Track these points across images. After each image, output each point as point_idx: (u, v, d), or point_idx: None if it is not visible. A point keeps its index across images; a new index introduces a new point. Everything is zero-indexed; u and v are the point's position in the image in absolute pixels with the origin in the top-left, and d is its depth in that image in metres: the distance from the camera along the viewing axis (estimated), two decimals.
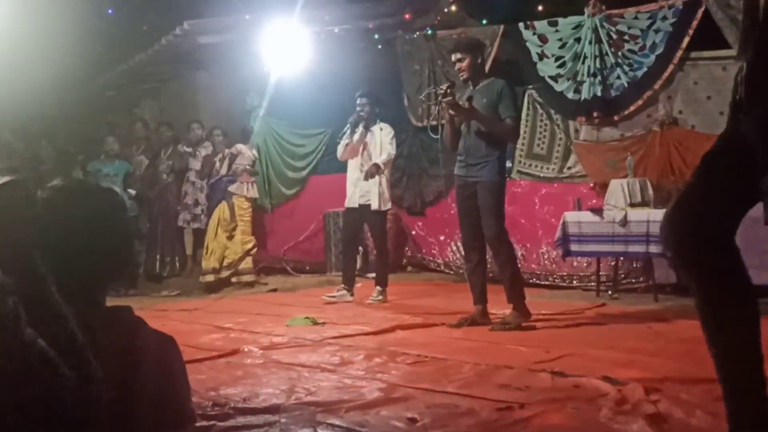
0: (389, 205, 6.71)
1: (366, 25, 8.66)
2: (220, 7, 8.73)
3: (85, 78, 9.92)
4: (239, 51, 8.02)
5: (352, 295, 6.55)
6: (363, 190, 6.54)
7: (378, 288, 6.51)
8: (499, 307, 5.34)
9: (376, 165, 6.44)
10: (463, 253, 5.38)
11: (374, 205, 6.48)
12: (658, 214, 5.91)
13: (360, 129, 6.58)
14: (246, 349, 4.33)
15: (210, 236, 8.03)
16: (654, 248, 5.90)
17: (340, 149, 6.73)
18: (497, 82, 5.03)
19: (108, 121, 9.94)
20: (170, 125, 8.95)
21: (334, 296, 6.52)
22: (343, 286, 6.59)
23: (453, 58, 5.13)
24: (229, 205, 8.04)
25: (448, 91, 4.96)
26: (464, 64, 5.03)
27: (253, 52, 7.76)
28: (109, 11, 9.33)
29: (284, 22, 7.42)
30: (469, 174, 5.01)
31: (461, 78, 5.14)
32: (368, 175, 6.41)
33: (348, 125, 6.63)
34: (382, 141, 6.57)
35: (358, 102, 6.63)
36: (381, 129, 6.62)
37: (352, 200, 6.61)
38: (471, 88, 5.10)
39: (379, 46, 8.71)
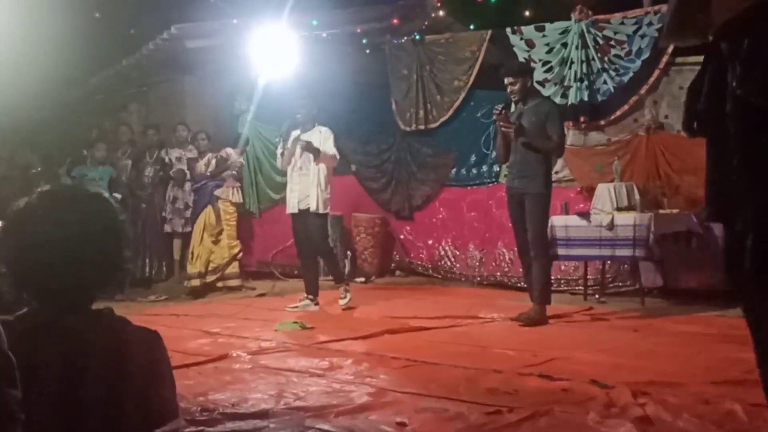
0: (329, 208, 6.47)
1: (354, 29, 8.67)
2: (207, 11, 8.72)
3: (72, 82, 9.88)
4: (227, 55, 8.01)
5: (316, 304, 6.33)
6: (302, 194, 6.32)
7: (341, 288, 6.34)
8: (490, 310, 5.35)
9: (310, 143, 6.18)
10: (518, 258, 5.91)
11: (313, 207, 6.25)
12: (644, 218, 5.95)
13: (297, 132, 6.35)
14: (234, 354, 4.32)
15: (195, 241, 7.99)
16: (640, 252, 5.94)
17: (278, 160, 6.55)
18: (546, 103, 5.62)
19: (94, 126, 9.90)
20: (157, 128, 8.91)
21: (296, 306, 6.29)
22: (305, 296, 6.38)
23: (505, 81, 5.52)
24: (214, 210, 8.02)
25: (503, 111, 5.45)
26: (516, 87, 5.46)
27: (240, 57, 7.75)
28: (96, 15, 9.29)
29: (272, 26, 7.41)
30: (519, 185, 5.44)
31: (512, 99, 5.58)
32: (303, 148, 6.16)
33: (280, 133, 6.46)
34: (321, 144, 6.28)
35: (298, 104, 6.44)
36: (320, 132, 6.37)
37: (292, 206, 6.40)
38: (521, 106, 5.52)
39: (367, 51, 8.72)
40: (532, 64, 7.31)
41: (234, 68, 8.25)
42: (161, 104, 9.64)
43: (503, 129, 5.43)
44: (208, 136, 8.32)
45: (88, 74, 9.69)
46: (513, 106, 5.64)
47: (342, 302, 6.31)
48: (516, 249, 5.80)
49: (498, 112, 5.47)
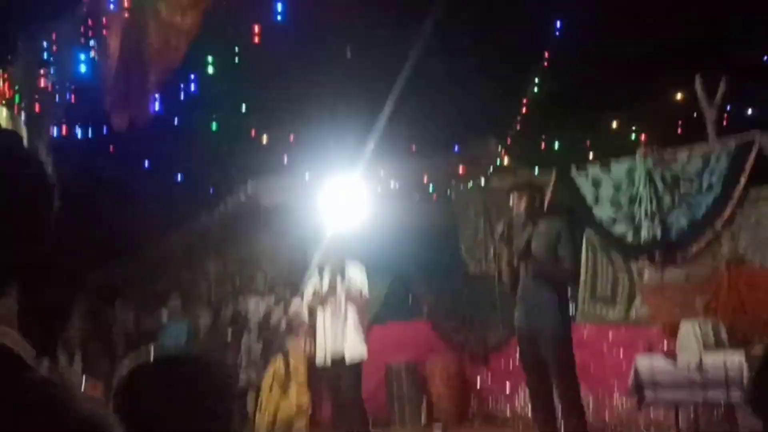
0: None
1: (420, 177, 8.92)
2: (280, 167, 9.13)
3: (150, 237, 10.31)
4: (300, 210, 8.27)
5: None
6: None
7: None
8: None
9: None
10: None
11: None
12: (735, 357, 5.64)
13: (327, 274, 6.01)
14: None
15: (264, 392, 7.83)
16: (735, 393, 5.59)
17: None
18: (556, 223, 4.97)
19: (173, 276, 10.16)
20: (233, 279, 9.11)
21: None
22: None
23: (511, 198, 5.03)
24: (284, 361, 7.89)
25: (505, 232, 4.87)
26: (523, 205, 4.93)
27: (312, 210, 8.00)
28: (178, 176, 9.85)
29: (343, 180, 7.67)
30: (530, 322, 4.75)
31: (519, 221, 5.00)
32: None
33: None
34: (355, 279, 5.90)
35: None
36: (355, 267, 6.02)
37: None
38: (530, 228, 4.95)
39: (434, 197, 8.91)
40: (601, 203, 7.27)
41: (306, 222, 8.50)
42: (241, 258, 9.90)
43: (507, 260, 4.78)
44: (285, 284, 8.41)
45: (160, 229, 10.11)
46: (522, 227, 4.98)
47: None
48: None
49: (501, 234, 4.89)
